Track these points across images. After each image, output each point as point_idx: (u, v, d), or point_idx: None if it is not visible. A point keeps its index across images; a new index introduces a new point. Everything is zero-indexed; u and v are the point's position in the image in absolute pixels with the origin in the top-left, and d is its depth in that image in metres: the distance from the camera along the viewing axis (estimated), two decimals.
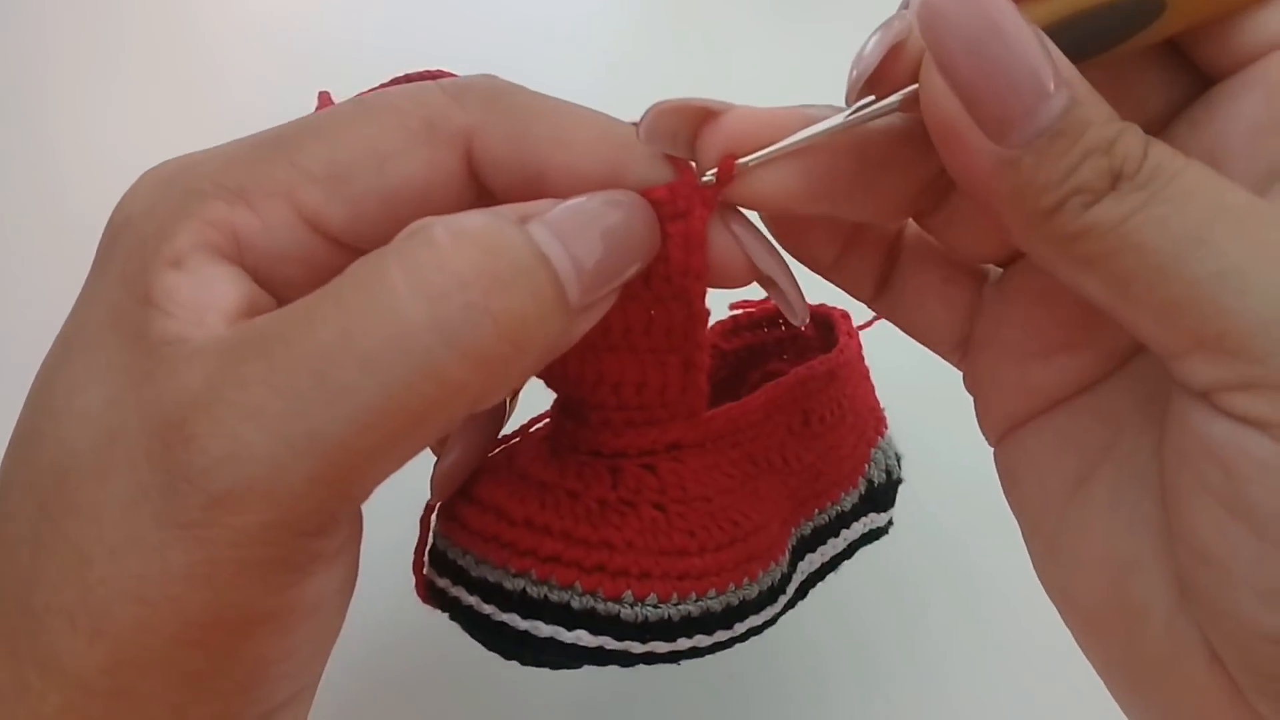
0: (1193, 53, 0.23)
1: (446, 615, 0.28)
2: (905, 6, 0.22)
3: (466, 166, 0.23)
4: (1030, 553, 0.26)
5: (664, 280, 0.25)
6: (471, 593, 0.27)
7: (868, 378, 0.35)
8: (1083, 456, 0.24)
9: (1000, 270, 0.27)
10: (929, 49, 0.20)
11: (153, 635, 0.19)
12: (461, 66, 0.27)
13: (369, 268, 0.20)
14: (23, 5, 0.65)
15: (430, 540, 0.29)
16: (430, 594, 0.29)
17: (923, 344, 0.28)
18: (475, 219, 0.21)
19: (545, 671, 0.42)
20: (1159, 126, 0.23)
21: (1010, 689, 0.43)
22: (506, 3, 0.72)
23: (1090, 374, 0.25)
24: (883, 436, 0.35)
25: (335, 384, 0.19)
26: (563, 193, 0.23)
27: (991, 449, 0.27)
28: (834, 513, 0.32)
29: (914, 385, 0.38)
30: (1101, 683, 0.25)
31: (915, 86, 0.21)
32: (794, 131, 0.23)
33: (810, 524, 0.31)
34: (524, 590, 0.26)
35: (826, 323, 0.37)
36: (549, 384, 0.28)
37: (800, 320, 0.27)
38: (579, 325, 0.23)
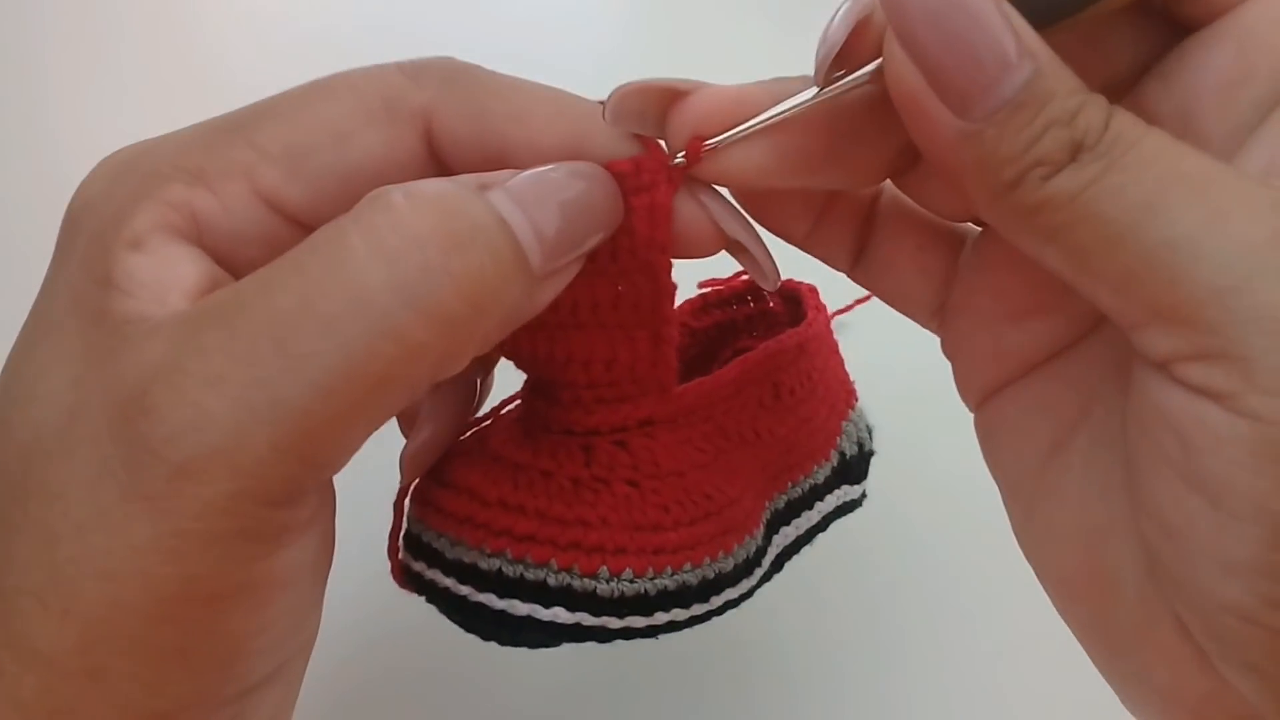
0: (1166, 5, 0.22)
1: (423, 599, 0.28)
2: None
3: (426, 145, 0.24)
4: (1010, 518, 0.26)
5: (630, 254, 0.25)
6: (448, 574, 0.27)
7: (837, 351, 0.36)
8: (1057, 423, 0.24)
9: (978, 231, 0.27)
10: (890, 22, 0.20)
11: (122, 612, 0.19)
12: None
13: (327, 234, 0.20)
14: None
15: (404, 525, 0.29)
16: (406, 578, 0.29)
17: (901, 312, 0.28)
18: (433, 184, 0.21)
19: (530, 665, 0.42)
20: (1130, 82, 0.23)
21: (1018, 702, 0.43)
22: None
23: (1062, 338, 0.25)
24: (853, 409, 0.35)
25: (296, 349, 0.19)
26: (522, 167, 0.23)
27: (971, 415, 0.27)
28: (807, 485, 0.32)
29: (890, 377, 0.39)
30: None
31: (879, 61, 0.21)
32: (763, 108, 0.23)
33: (784, 497, 0.32)
34: (499, 570, 0.26)
35: (794, 298, 0.37)
36: (519, 365, 0.28)
37: (773, 285, 0.27)
38: (542, 292, 0.23)
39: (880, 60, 0.21)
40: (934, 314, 0.28)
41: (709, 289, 0.40)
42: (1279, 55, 0.21)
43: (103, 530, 0.19)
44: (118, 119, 0.53)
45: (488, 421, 0.31)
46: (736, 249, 0.26)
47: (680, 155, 0.24)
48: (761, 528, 0.30)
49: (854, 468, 0.34)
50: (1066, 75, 0.19)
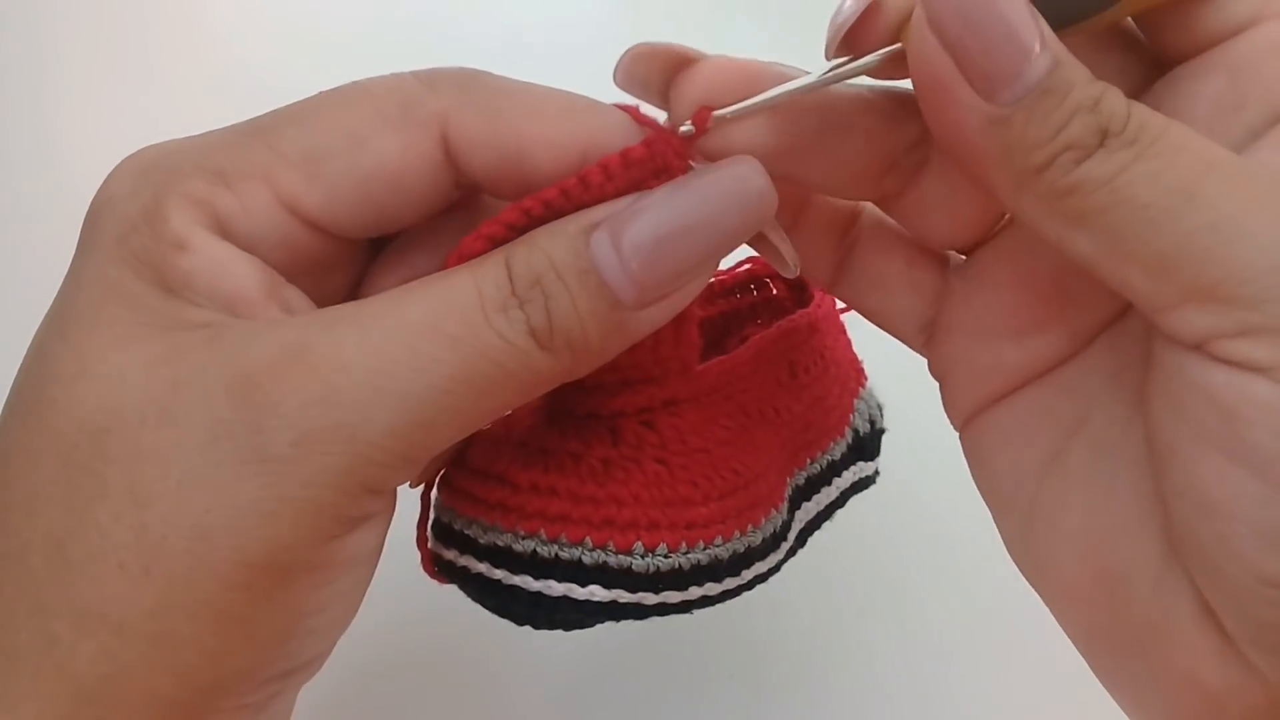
0: (1154, 39, 0.23)
1: (455, 587, 0.28)
2: None
3: (442, 149, 0.24)
4: (1002, 533, 0.27)
5: None
6: (481, 560, 0.27)
7: (844, 331, 0.36)
8: (1055, 432, 0.25)
9: (961, 256, 0.27)
10: (923, 5, 0.20)
11: (205, 575, 0.20)
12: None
13: (444, 275, 0.23)
14: None
15: (432, 514, 0.29)
16: (438, 567, 0.29)
17: (885, 330, 0.29)
18: (545, 241, 0.23)
19: (540, 664, 0.43)
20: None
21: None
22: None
23: (1061, 352, 0.25)
24: (864, 387, 0.36)
25: (424, 355, 0.21)
26: (541, 164, 0.23)
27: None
28: (825, 462, 0.33)
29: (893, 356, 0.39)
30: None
31: (895, 47, 0.22)
32: (768, 85, 0.24)
33: (804, 474, 0.32)
34: (534, 551, 0.26)
35: (798, 283, 0.38)
36: None
37: (794, 270, 0.27)
38: (646, 319, 0.24)
39: (891, 48, 0.22)
40: (920, 332, 0.28)
41: (712, 278, 0.40)
42: (1268, 84, 0.21)
43: (208, 488, 0.20)
44: (131, 121, 0.53)
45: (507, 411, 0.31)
46: (756, 237, 0.27)
47: (688, 124, 0.24)
48: (785, 503, 0.30)
49: (867, 444, 0.35)
50: (1081, 67, 0.20)
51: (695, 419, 0.28)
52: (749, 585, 0.29)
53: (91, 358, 0.21)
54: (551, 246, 0.23)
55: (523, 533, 0.26)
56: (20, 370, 0.23)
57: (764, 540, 0.28)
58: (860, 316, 0.29)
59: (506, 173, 0.24)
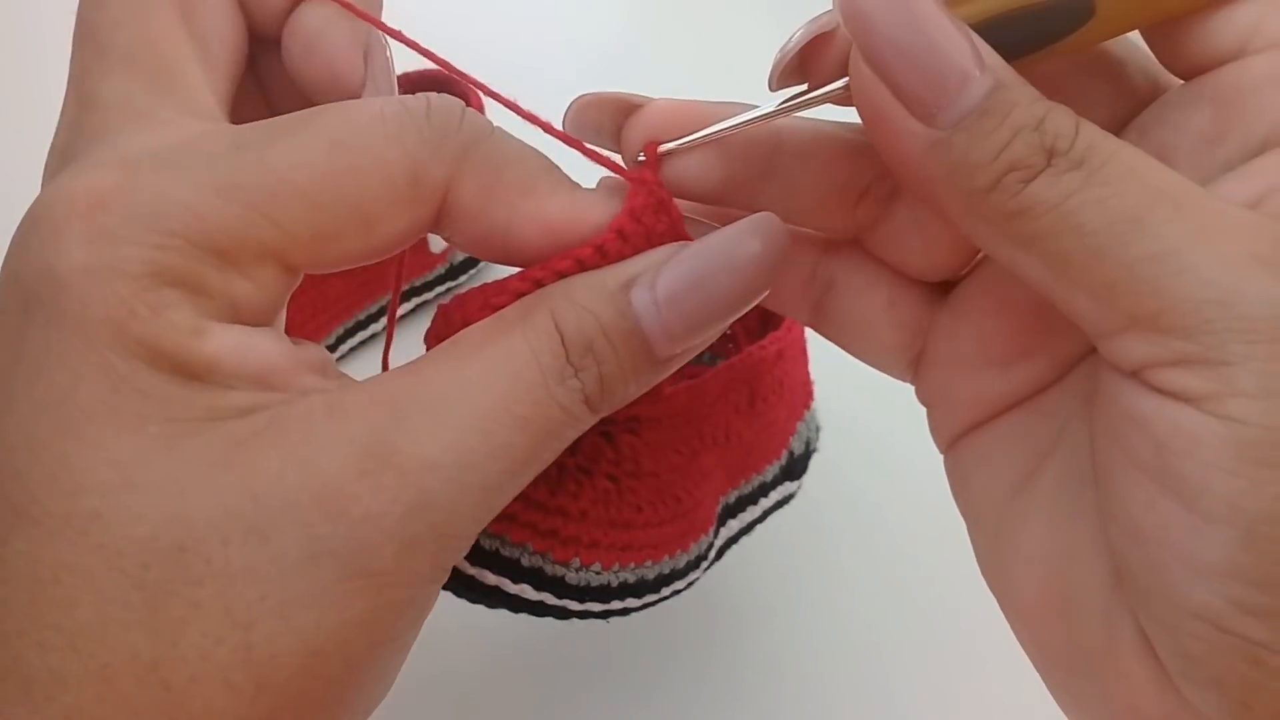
0: (1157, 53, 0.23)
1: None
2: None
3: (437, 216, 0.23)
4: (975, 551, 0.27)
5: None
6: None
7: (805, 352, 0.37)
8: (1029, 454, 0.25)
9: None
10: (853, 36, 0.21)
11: (318, 681, 0.20)
12: (461, 59, 0.26)
13: (496, 338, 0.22)
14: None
15: None
16: None
17: (869, 365, 0.29)
18: (587, 299, 0.23)
19: (527, 664, 0.43)
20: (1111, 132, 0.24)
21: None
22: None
23: (1044, 379, 0.26)
24: (808, 409, 0.37)
25: (498, 441, 0.21)
26: (528, 240, 0.23)
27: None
28: (757, 483, 0.34)
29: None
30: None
31: (844, 81, 0.22)
32: (714, 122, 0.24)
33: (736, 493, 0.34)
34: (478, 544, 0.27)
35: (770, 313, 0.38)
36: None
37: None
38: (673, 362, 0.24)
39: (840, 83, 0.22)
40: (907, 366, 0.28)
41: None
42: (1247, 120, 0.21)
43: (315, 608, 0.20)
44: None
45: None
46: None
47: (640, 158, 0.25)
48: (715, 525, 0.32)
49: (798, 465, 0.36)
50: (1027, 88, 0.20)
51: (653, 440, 0.29)
52: (667, 598, 0.30)
53: (131, 464, 0.20)
54: (597, 306, 0.23)
55: None
56: (19, 469, 0.20)
57: (689, 562, 0.30)
58: None
59: (488, 240, 0.24)
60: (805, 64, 0.23)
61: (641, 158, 0.25)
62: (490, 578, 0.27)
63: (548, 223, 0.23)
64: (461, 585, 0.28)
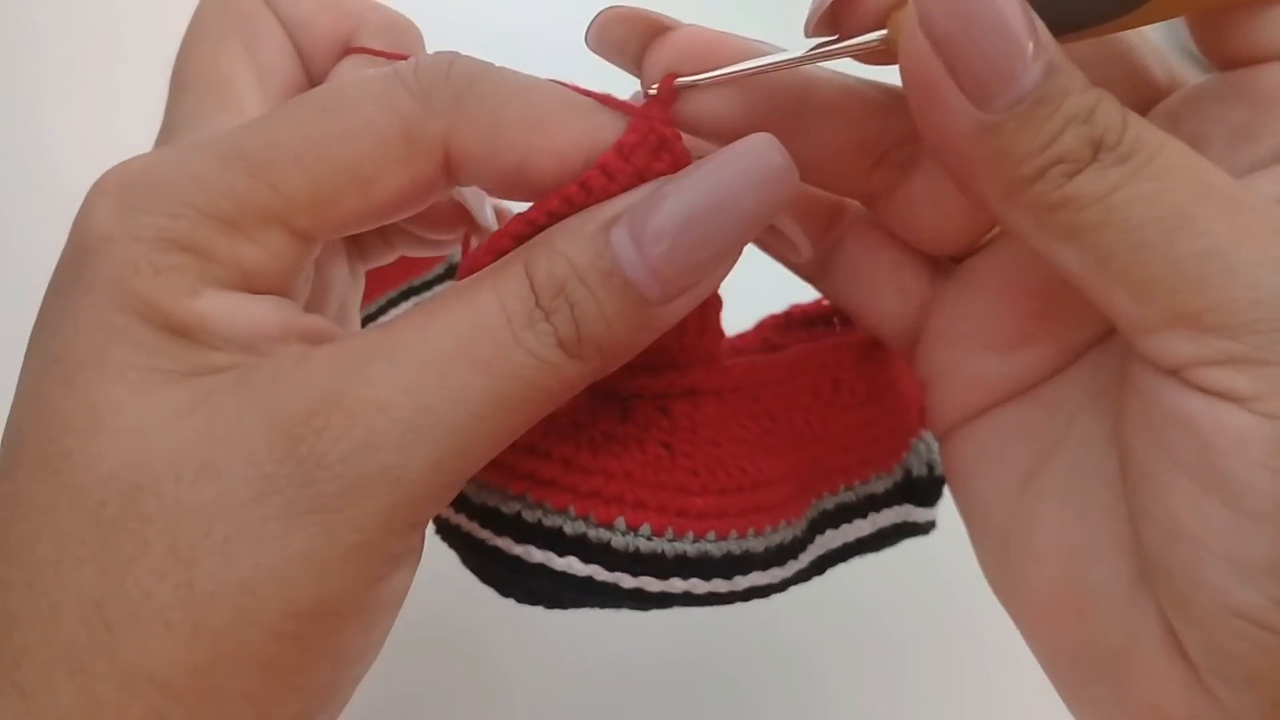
0: (1197, 38, 0.23)
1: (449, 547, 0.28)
2: None
3: (443, 169, 0.23)
4: (977, 549, 0.26)
5: None
6: (471, 519, 0.27)
7: (910, 372, 0.34)
8: (1033, 450, 0.24)
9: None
10: (915, 6, 0.20)
11: (254, 629, 0.20)
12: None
13: (466, 291, 0.22)
14: None
15: None
16: (435, 524, 0.28)
17: (870, 330, 0.28)
18: (564, 244, 0.22)
19: (531, 672, 0.41)
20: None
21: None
22: None
23: (1046, 368, 0.25)
24: (926, 429, 0.33)
25: (455, 384, 0.21)
26: (544, 172, 0.23)
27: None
28: (863, 493, 0.31)
29: None
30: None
31: (880, 34, 0.21)
32: (744, 58, 0.23)
33: (835, 499, 0.30)
34: (519, 514, 0.26)
35: None
36: None
37: (805, 256, 0.26)
38: (672, 311, 0.23)
39: (877, 34, 0.22)
40: (904, 335, 0.27)
41: (795, 308, 0.39)
42: None
43: (254, 544, 0.20)
44: (112, 119, 0.52)
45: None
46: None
47: (653, 88, 0.24)
48: (803, 520, 0.28)
49: (921, 489, 0.32)
50: (1078, 73, 0.20)
51: (713, 412, 0.27)
52: (743, 595, 0.27)
53: (106, 408, 0.21)
54: (571, 249, 0.22)
55: (511, 493, 0.26)
56: (16, 418, 0.22)
57: (767, 550, 0.27)
58: None
59: (507, 182, 0.24)
60: (839, 13, 0.22)
61: (653, 90, 0.24)
62: (535, 554, 0.25)
63: (561, 154, 0.23)
64: (509, 570, 0.26)
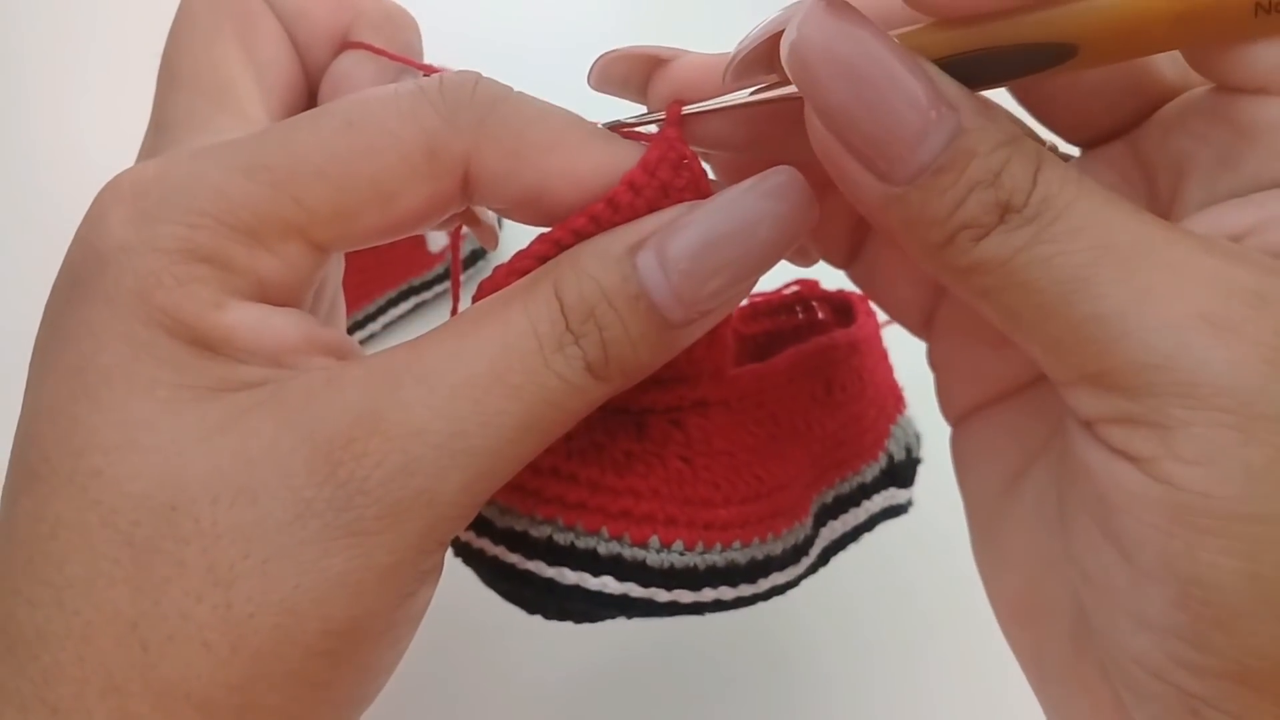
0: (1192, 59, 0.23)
1: (471, 570, 0.28)
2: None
3: (462, 188, 0.24)
4: (970, 536, 0.27)
5: None
6: (496, 543, 0.27)
7: (886, 357, 0.36)
8: (1020, 452, 0.25)
9: None
10: (799, 87, 0.20)
11: (292, 647, 0.20)
12: (459, 57, 0.28)
13: (496, 312, 0.22)
14: None
15: None
16: (454, 548, 0.29)
17: (892, 317, 0.29)
18: (592, 266, 0.22)
19: (539, 669, 0.42)
20: (1133, 123, 0.23)
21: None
22: None
23: (1035, 370, 0.25)
24: (901, 414, 0.35)
25: (489, 410, 0.21)
26: (563, 197, 0.23)
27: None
28: (855, 483, 0.32)
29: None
30: None
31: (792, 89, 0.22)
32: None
33: (832, 492, 0.31)
34: (550, 537, 0.26)
35: (844, 308, 0.38)
36: None
37: (811, 261, 0.28)
38: (690, 334, 0.24)
39: (790, 88, 0.22)
40: (922, 323, 0.28)
41: (759, 297, 0.40)
42: (1263, 156, 0.20)
43: (293, 566, 0.20)
44: (99, 117, 0.52)
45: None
46: None
47: (660, 115, 0.24)
48: (810, 517, 0.30)
49: (901, 471, 0.34)
50: (990, 127, 0.19)
51: (723, 422, 0.28)
52: (765, 595, 0.28)
53: (137, 425, 0.20)
54: (599, 271, 0.22)
55: (539, 518, 0.26)
56: (33, 431, 0.21)
57: (784, 551, 0.28)
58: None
59: (523, 204, 0.24)
60: (770, 58, 0.22)
61: (663, 115, 0.25)
62: (569, 575, 0.26)
63: (579, 178, 0.23)
64: (542, 593, 0.26)
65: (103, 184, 0.22)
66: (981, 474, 0.26)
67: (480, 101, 0.23)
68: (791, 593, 0.29)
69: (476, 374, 0.21)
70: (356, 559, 0.20)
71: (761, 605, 0.29)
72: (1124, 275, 0.19)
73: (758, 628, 0.41)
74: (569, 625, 0.29)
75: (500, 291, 0.24)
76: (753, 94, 0.23)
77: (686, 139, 0.25)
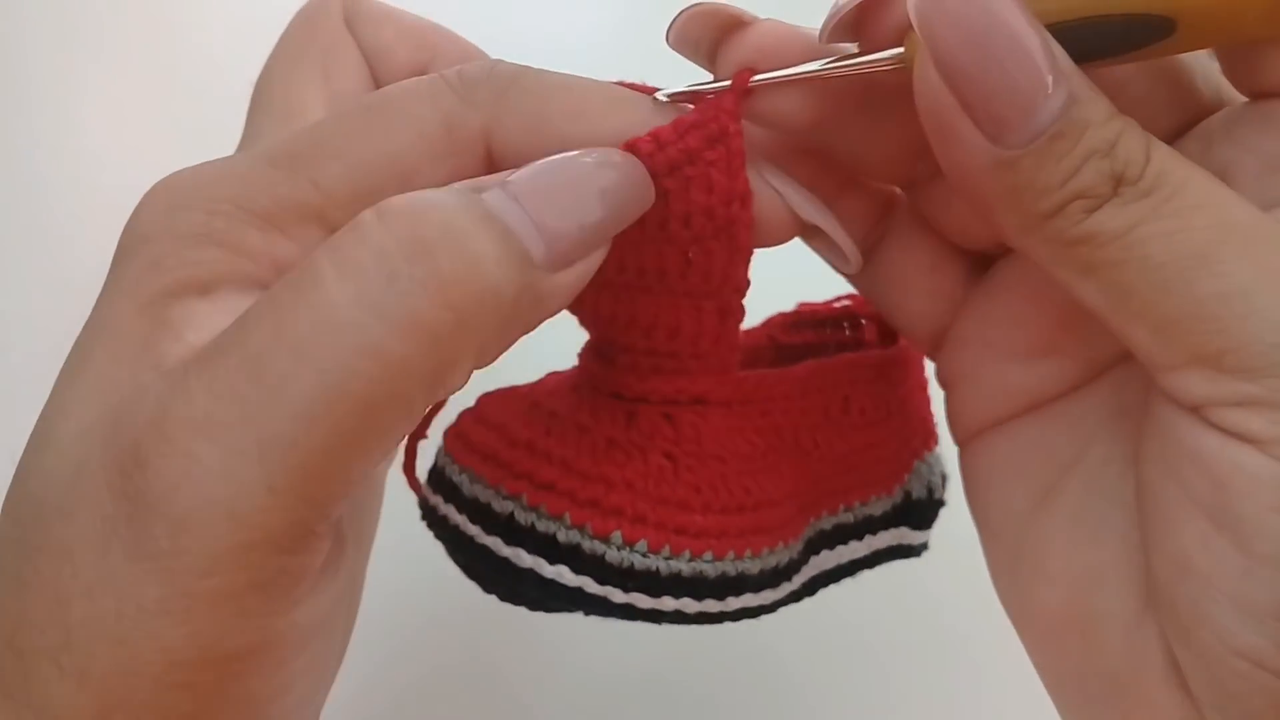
0: (1227, 67, 0.22)
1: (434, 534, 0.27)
2: None
3: (486, 162, 0.23)
4: (988, 560, 0.26)
5: (706, 215, 0.23)
6: (460, 511, 0.26)
7: (924, 389, 0.33)
8: (1050, 466, 0.24)
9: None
10: (923, 38, 0.19)
11: (137, 678, 0.18)
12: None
13: (301, 263, 0.19)
14: None
15: (434, 459, 0.28)
16: (423, 512, 0.28)
17: (897, 328, 0.28)
18: (408, 196, 0.20)
19: (537, 666, 0.41)
20: (1171, 138, 0.23)
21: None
22: None
23: (1069, 382, 0.24)
24: (930, 451, 0.32)
25: (270, 378, 0.18)
26: None
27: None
28: (861, 514, 0.30)
29: None
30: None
31: (896, 51, 0.21)
32: (815, 55, 0.23)
33: (833, 519, 0.29)
34: (512, 514, 0.25)
35: (893, 332, 0.35)
36: (581, 321, 0.27)
37: (854, 267, 0.26)
38: (557, 285, 0.21)
39: (893, 51, 0.21)
40: (931, 337, 0.27)
41: (805, 307, 0.38)
42: None
43: (112, 594, 0.18)
44: (99, 119, 0.52)
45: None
46: (810, 233, 0.26)
47: (725, 82, 0.23)
48: (800, 541, 0.28)
49: (918, 511, 0.31)
50: (1101, 101, 0.19)
51: (719, 424, 0.26)
52: (733, 615, 0.26)
53: (63, 415, 0.20)
54: (438, 200, 0.20)
55: (506, 492, 0.25)
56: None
57: (762, 572, 0.26)
58: None
59: None
60: (860, 24, 0.22)
61: (720, 85, 0.23)
62: (525, 558, 0.25)
63: (606, 144, 0.22)
64: (496, 571, 0.25)
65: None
66: (1005, 492, 0.25)
67: (499, 76, 0.23)
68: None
69: (258, 345, 0.18)
70: (167, 585, 0.18)
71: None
72: (1248, 254, 0.18)
73: (746, 636, 0.40)
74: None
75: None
76: (828, 65, 0.23)
77: (748, 112, 0.24)
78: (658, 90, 0.24)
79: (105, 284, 0.22)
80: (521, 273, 0.20)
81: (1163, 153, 0.19)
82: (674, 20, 0.24)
